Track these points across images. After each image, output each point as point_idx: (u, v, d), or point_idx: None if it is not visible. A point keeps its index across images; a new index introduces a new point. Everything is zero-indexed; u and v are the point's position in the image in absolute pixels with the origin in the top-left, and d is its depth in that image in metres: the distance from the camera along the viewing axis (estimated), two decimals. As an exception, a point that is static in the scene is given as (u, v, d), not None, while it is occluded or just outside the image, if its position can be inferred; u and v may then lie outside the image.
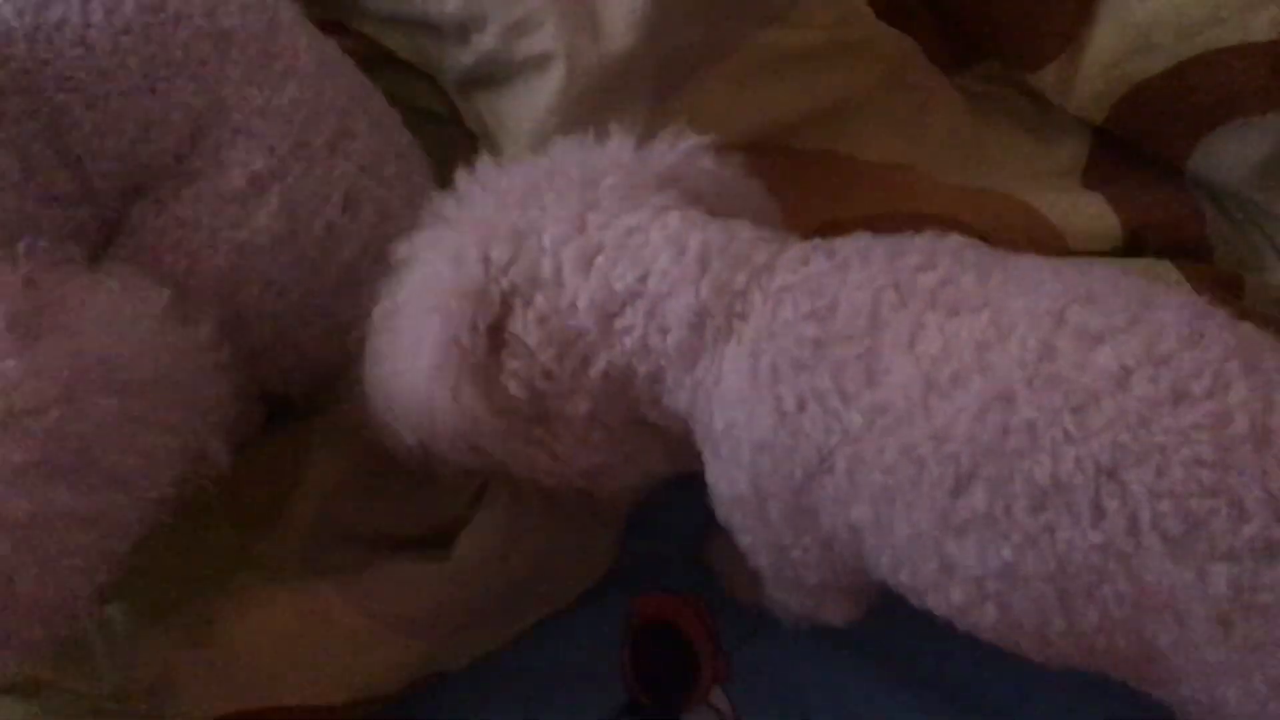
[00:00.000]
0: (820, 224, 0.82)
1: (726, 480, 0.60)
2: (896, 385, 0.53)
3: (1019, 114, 0.93)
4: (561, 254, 0.60)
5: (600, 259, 0.59)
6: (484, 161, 0.65)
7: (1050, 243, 0.83)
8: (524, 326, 0.60)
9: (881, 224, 0.81)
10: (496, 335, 0.61)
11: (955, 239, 0.57)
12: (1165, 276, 0.81)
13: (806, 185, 0.84)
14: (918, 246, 0.57)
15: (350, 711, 0.72)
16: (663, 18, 0.80)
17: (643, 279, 0.58)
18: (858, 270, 0.56)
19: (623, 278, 0.59)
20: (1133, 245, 0.84)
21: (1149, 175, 0.89)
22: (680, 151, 0.63)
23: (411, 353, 0.61)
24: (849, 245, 0.58)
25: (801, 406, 0.55)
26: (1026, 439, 0.49)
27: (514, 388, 0.61)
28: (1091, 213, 0.85)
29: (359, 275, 0.73)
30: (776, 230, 0.64)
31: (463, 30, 0.83)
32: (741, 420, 0.57)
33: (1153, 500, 0.47)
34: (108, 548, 0.57)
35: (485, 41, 0.83)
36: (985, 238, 0.81)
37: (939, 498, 0.52)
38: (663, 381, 0.60)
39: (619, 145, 0.64)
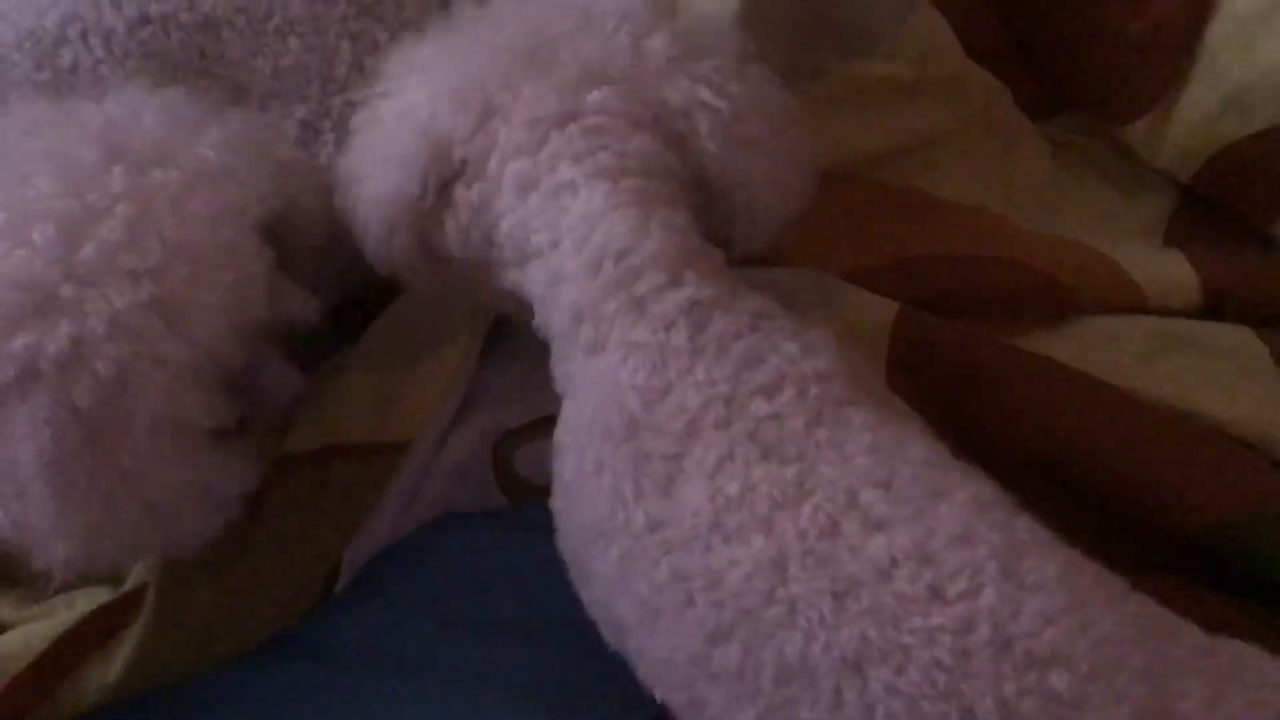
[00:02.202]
0: (894, 259, 0.81)
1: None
2: (687, 508, 0.52)
3: (1104, 166, 0.93)
4: (507, 166, 0.59)
5: (534, 196, 0.58)
6: None
7: (1128, 298, 0.83)
8: (460, 200, 0.61)
9: (956, 264, 0.82)
10: (446, 191, 0.61)
11: (824, 362, 0.55)
12: (1245, 345, 0.81)
13: (883, 219, 0.85)
14: (774, 366, 0.54)
15: None
16: (748, 38, 0.79)
17: (553, 246, 0.58)
18: (706, 365, 0.54)
19: (538, 234, 0.58)
20: (1212, 307, 0.84)
21: (1234, 238, 0.89)
22: (690, 96, 0.60)
23: (368, 177, 0.63)
24: (720, 326, 0.55)
25: (598, 472, 0.54)
26: (785, 612, 0.49)
27: (452, 246, 0.62)
28: (1171, 271, 0.84)
29: None
30: (786, 201, 0.65)
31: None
32: (562, 448, 0.57)
33: (889, 697, 0.47)
34: None
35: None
36: (1062, 286, 0.82)
37: (698, 640, 0.52)
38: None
39: (645, 38, 0.61)
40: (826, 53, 0.85)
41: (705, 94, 0.60)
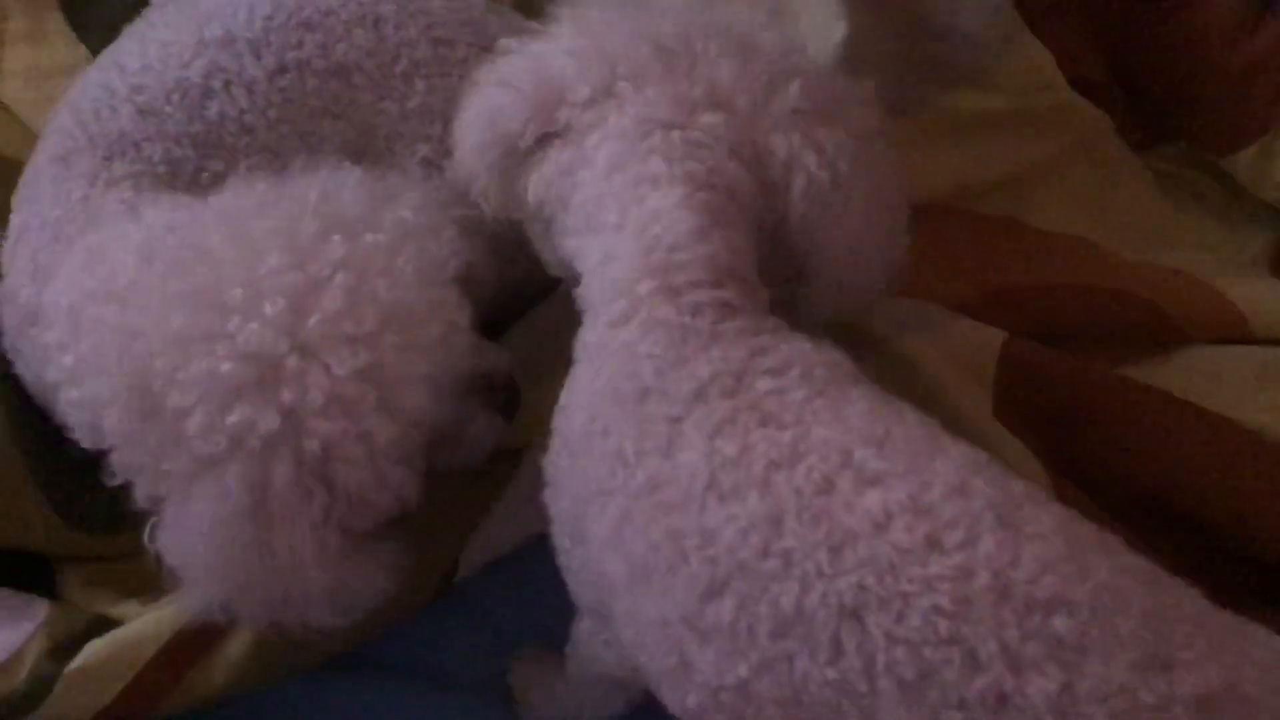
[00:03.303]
0: (994, 289, 0.83)
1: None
2: (685, 468, 0.54)
3: (1208, 197, 0.94)
4: (605, 145, 0.61)
5: (618, 178, 0.61)
6: None
7: (1234, 328, 0.84)
8: (551, 158, 0.64)
9: (1057, 294, 0.84)
10: (543, 144, 0.64)
11: (834, 355, 0.58)
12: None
13: (985, 249, 0.87)
14: (784, 352, 0.57)
15: None
16: (850, 71, 0.82)
17: (617, 228, 0.60)
18: (723, 347, 0.56)
19: (609, 213, 0.60)
20: (1319, 338, 0.83)
21: (1342, 269, 0.88)
22: (796, 153, 0.62)
23: (484, 100, 0.67)
24: (742, 323, 0.58)
25: (605, 434, 0.57)
26: (781, 565, 0.51)
27: (531, 197, 0.65)
28: (1278, 301, 0.85)
29: None
30: None
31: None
32: (568, 408, 0.60)
33: (889, 645, 0.49)
34: None
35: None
36: (1165, 315, 0.82)
37: (691, 597, 0.53)
38: None
39: (783, 83, 0.62)
40: (929, 84, 0.87)
41: (810, 159, 0.62)
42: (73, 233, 0.73)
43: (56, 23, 0.99)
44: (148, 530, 0.65)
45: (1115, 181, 0.91)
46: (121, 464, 0.64)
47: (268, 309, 0.61)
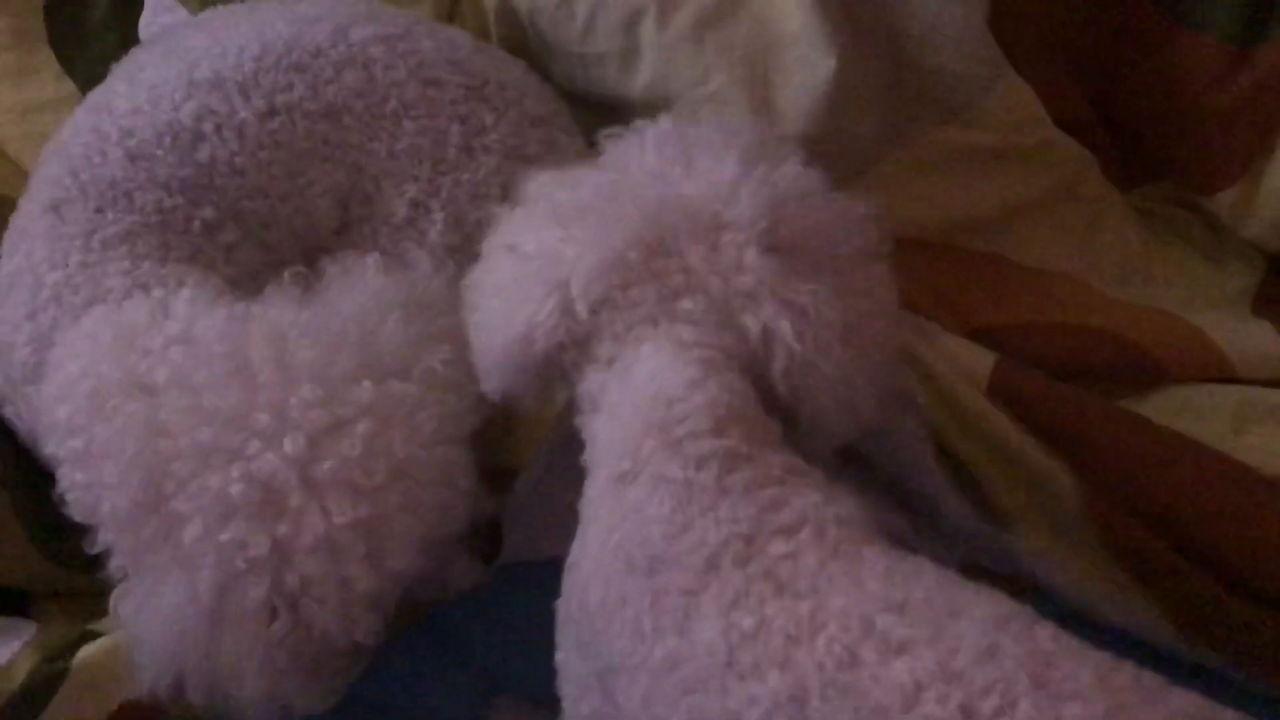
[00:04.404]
0: (980, 327, 0.84)
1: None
2: (702, 644, 0.53)
3: (1192, 236, 0.96)
4: (601, 346, 0.63)
5: (616, 366, 0.62)
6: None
7: (1216, 367, 0.86)
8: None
9: (1042, 332, 0.85)
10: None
11: (846, 510, 0.56)
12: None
13: (972, 286, 0.89)
14: (796, 508, 0.56)
15: None
16: (838, 106, 0.85)
17: (618, 403, 0.61)
18: (731, 503, 0.56)
19: (611, 393, 0.62)
20: (1300, 378, 0.84)
21: (1323, 308, 0.89)
22: (771, 328, 0.62)
23: (497, 325, 0.67)
24: (749, 473, 0.57)
25: (621, 606, 0.56)
26: None
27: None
28: (1259, 341, 0.87)
29: None
30: None
31: (650, 109, 0.87)
32: (578, 568, 0.60)
33: None
34: None
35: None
36: (1148, 355, 0.83)
37: None
38: None
39: (745, 249, 0.63)
40: (915, 119, 0.89)
41: (786, 330, 0.62)
42: (76, 302, 0.74)
43: (45, 58, 1.00)
44: (113, 597, 0.66)
45: (1100, 220, 0.93)
46: (106, 541, 0.65)
47: (288, 445, 0.63)
